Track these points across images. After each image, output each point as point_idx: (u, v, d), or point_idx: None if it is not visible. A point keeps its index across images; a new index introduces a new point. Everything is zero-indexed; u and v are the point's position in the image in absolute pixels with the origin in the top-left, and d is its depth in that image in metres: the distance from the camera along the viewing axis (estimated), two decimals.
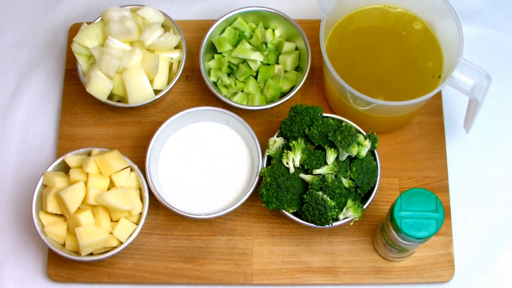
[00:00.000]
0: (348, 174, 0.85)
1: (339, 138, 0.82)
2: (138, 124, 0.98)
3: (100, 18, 0.96)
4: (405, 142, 0.97)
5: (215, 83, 0.97)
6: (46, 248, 0.93)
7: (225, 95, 0.96)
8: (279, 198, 0.84)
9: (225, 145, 0.94)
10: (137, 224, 0.88)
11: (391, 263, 0.91)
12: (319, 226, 0.84)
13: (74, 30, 1.03)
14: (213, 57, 0.99)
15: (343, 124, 0.87)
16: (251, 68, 0.96)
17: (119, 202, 0.85)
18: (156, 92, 0.94)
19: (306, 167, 0.84)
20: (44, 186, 0.89)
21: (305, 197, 0.83)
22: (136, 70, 0.92)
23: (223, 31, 0.98)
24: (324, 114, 0.88)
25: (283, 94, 0.96)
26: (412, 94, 0.87)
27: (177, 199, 0.91)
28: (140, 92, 0.92)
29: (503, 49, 1.04)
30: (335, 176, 0.84)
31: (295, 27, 0.96)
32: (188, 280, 0.91)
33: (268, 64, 0.96)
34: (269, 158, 0.89)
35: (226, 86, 0.96)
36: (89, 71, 0.93)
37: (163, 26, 0.97)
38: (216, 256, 0.92)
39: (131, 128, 0.98)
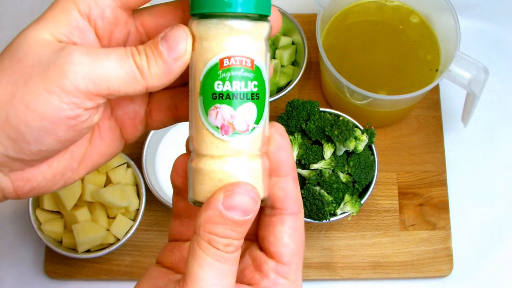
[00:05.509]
0: (346, 168, 0.84)
1: (336, 132, 0.81)
2: None
3: None
4: (402, 136, 0.97)
5: None
6: (43, 245, 0.92)
7: None
8: None
9: None
10: (134, 220, 0.88)
11: (389, 257, 0.91)
12: (317, 221, 0.83)
13: None
14: None
15: (340, 118, 0.86)
16: None
17: (116, 199, 0.84)
18: None
19: (303, 162, 0.84)
20: None
21: (302, 192, 0.82)
22: None
23: None
24: (321, 109, 0.87)
25: (280, 89, 0.96)
26: (409, 87, 0.87)
27: None
28: None
29: (500, 42, 1.03)
30: (333, 171, 0.84)
31: (292, 21, 0.95)
32: None
33: None
34: None
35: None
36: None
37: None
38: None
39: None
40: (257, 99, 0.43)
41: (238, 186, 0.41)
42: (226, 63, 0.42)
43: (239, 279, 0.46)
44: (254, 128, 0.43)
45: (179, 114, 0.50)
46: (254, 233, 0.48)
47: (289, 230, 0.45)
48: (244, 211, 0.41)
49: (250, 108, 0.42)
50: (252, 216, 0.41)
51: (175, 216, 0.50)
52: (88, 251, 0.86)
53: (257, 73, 0.42)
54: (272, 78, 0.94)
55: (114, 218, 0.87)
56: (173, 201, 0.50)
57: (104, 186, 0.87)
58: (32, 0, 1.07)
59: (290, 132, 0.86)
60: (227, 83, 0.42)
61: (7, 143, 0.41)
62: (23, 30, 0.43)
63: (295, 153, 0.84)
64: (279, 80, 0.95)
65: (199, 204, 0.43)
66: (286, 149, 0.45)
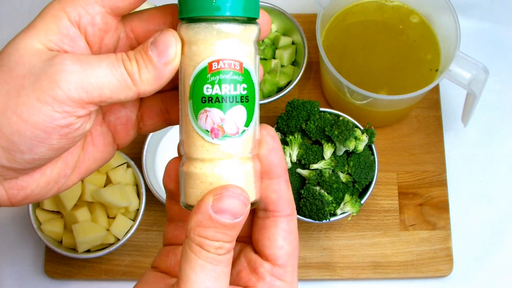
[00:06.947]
0: (346, 168, 0.84)
1: (336, 132, 0.81)
2: None
3: None
4: (402, 136, 0.97)
5: None
6: (43, 245, 0.93)
7: None
8: None
9: None
10: (134, 220, 0.88)
11: (389, 257, 0.91)
12: (317, 221, 0.83)
13: None
14: None
15: (340, 118, 0.86)
16: None
17: (116, 199, 0.84)
18: None
19: (303, 162, 0.84)
20: None
21: (303, 192, 0.82)
22: None
23: None
24: (321, 109, 0.87)
25: (280, 89, 0.96)
26: (409, 87, 0.87)
27: None
28: None
29: (500, 42, 1.03)
30: (333, 171, 0.84)
31: (292, 21, 0.95)
32: None
33: (265, 59, 0.96)
34: None
35: None
36: None
37: None
38: None
39: None
40: (246, 102, 0.43)
41: (227, 189, 0.41)
42: (215, 67, 0.42)
43: (235, 282, 0.45)
44: (244, 131, 0.43)
45: (170, 118, 0.50)
46: (248, 235, 0.47)
47: (283, 232, 0.45)
48: (233, 214, 0.41)
49: (239, 111, 0.42)
50: (242, 219, 0.41)
51: (169, 220, 0.50)
52: (88, 251, 0.86)
53: (246, 76, 0.42)
54: (272, 78, 0.94)
55: (114, 218, 0.87)
56: (166, 205, 0.50)
57: (104, 186, 0.88)
58: (32, 0, 1.07)
59: (290, 132, 0.86)
60: (216, 86, 0.42)
61: (0, 153, 0.41)
62: (13, 39, 0.43)
63: (295, 153, 0.84)
64: (279, 80, 0.95)
65: (191, 208, 0.43)
66: (278, 151, 0.45)
